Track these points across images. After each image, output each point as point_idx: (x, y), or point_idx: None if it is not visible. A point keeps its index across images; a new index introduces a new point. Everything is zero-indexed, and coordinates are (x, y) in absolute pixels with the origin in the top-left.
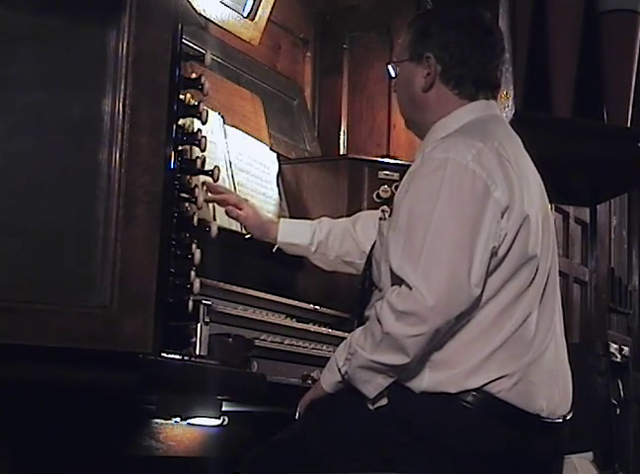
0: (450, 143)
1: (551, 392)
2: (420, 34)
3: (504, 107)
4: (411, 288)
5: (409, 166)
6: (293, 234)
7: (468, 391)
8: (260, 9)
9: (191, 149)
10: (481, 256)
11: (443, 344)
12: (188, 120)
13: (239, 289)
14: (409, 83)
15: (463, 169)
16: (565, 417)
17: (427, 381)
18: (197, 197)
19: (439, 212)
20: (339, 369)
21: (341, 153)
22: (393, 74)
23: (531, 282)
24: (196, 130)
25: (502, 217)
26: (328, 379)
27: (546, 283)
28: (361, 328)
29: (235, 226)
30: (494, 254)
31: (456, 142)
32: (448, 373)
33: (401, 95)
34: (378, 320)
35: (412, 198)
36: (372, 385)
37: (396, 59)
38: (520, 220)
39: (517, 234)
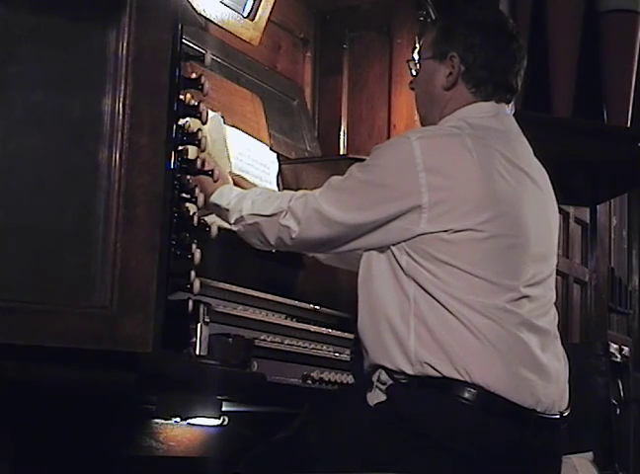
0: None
1: (546, 388)
2: (445, 33)
3: None
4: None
5: None
6: None
7: (463, 386)
8: (260, 9)
9: (191, 149)
10: (376, 219)
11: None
12: (188, 121)
13: (239, 289)
14: (430, 81)
15: (404, 141)
16: (562, 413)
17: (414, 353)
18: (197, 197)
19: (366, 163)
20: (229, 201)
21: (341, 153)
22: (414, 72)
23: (519, 278)
24: (196, 130)
25: (427, 198)
26: (208, 186)
27: (539, 281)
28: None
29: None
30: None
31: (423, 128)
32: (436, 356)
33: (419, 92)
34: (290, 210)
35: None
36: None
37: (419, 57)
38: (466, 207)
39: (461, 217)
